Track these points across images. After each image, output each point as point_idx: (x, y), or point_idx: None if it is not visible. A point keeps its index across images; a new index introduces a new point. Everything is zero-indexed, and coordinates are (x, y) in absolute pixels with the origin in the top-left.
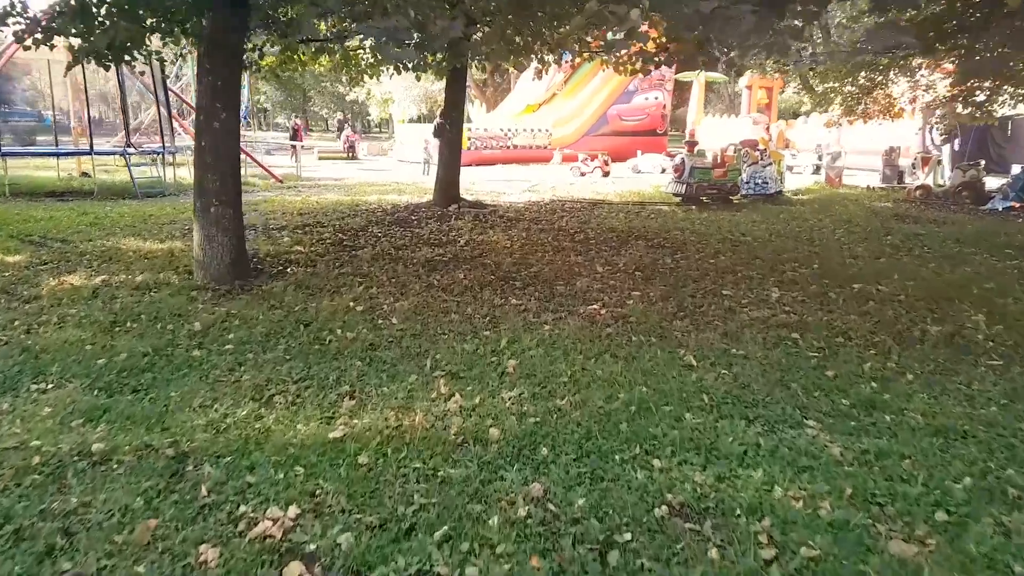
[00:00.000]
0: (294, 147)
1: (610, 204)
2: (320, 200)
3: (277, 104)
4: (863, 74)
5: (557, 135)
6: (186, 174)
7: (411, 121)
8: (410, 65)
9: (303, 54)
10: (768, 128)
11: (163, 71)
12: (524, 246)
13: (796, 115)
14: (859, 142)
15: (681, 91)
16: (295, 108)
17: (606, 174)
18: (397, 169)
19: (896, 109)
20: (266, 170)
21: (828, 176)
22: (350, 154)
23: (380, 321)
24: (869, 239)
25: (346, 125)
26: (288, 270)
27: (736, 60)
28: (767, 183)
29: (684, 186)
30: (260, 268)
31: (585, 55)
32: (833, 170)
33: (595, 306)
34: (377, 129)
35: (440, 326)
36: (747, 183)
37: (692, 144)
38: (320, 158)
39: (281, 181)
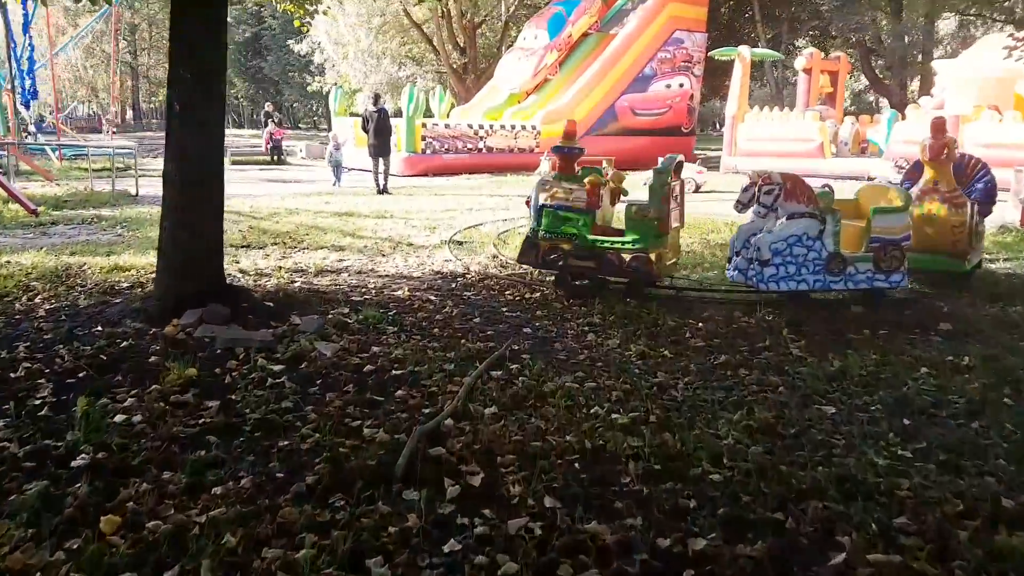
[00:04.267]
0: None
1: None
2: None
3: (247, 98)
4: None
5: (548, 134)
6: None
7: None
8: None
9: None
10: (944, 126)
11: None
12: None
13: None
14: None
15: (713, 77)
16: (270, 101)
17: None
18: (325, 177)
19: None
20: (12, 195)
21: None
22: (274, 156)
23: None
24: None
25: (271, 120)
26: None
27: None
28: (862, 275)
29: (528, 246)
30: None
31: None
32: None
33: None
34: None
35: None
36: (769, 262)
37: (569, 157)
38: (233, 162)
39: (36, 213)
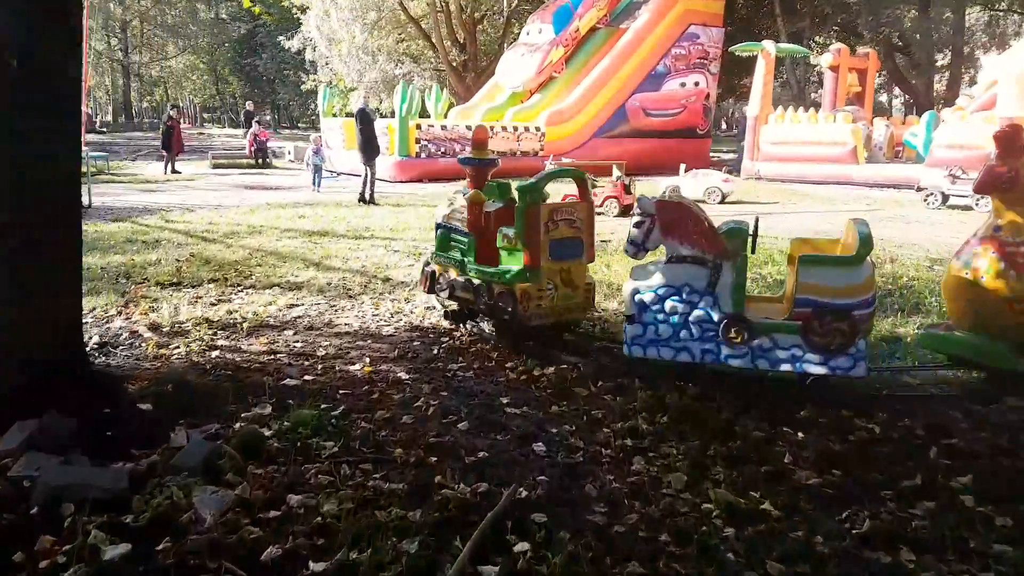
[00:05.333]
0: (165, 154)
1: None
2: None
3: (243, 97)
4: None
5: (553, 135)
6: None
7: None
8: None
9: None
10: (1020, 138)
11: None
12: None
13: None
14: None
15: (728, 75)
16: (263, 100)
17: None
18: (309, 183)
19: None
20: None
21: None
22: (258, 159)
23: None
24: None
25: (254, 120)
26: None
27: None
28: None
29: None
30: None
31: None
32: None
33: None
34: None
35: None
36: None
37: (481, 169)
38: (215, 165)
39: None
